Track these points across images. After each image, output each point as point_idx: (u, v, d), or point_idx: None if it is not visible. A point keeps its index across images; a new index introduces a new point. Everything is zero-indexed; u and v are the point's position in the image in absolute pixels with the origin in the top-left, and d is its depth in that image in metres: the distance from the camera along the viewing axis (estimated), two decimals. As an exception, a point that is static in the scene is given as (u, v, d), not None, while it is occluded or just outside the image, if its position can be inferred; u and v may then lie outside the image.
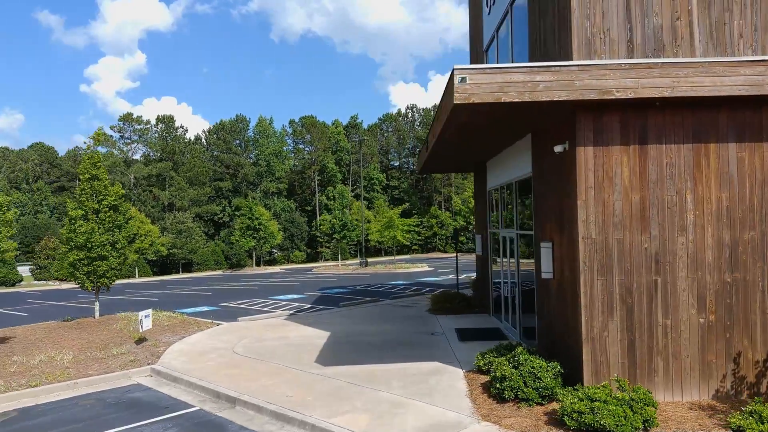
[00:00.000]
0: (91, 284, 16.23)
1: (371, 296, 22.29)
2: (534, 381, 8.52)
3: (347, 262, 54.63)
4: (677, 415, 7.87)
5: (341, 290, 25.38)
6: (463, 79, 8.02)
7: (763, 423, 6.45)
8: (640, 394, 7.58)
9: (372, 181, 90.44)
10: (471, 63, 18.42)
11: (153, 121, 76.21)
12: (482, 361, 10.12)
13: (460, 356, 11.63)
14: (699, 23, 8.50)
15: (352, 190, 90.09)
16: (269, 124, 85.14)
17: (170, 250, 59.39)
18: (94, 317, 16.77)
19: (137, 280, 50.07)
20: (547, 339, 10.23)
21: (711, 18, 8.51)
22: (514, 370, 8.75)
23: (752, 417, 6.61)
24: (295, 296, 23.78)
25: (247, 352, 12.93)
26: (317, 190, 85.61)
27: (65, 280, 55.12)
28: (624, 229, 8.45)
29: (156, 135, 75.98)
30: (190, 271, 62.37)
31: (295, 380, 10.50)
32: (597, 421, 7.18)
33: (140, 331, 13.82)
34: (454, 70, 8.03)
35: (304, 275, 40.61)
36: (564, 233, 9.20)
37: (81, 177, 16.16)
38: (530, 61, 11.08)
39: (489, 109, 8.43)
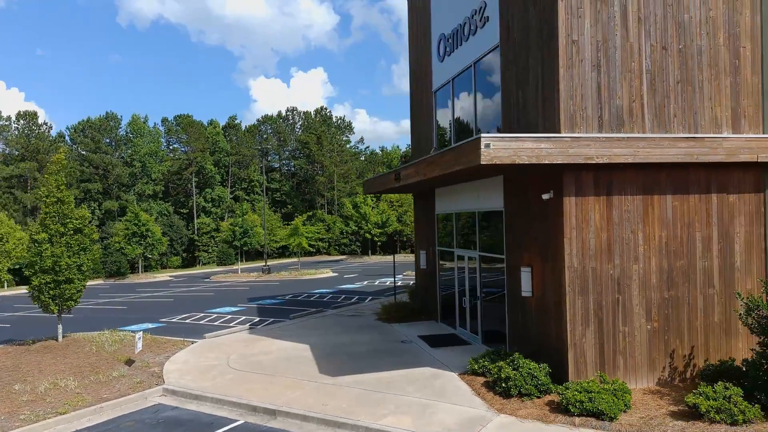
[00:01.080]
0: (57, 307, 16.11)
1: (311, 307, 23.72)
2: (532, 379, 10.89)
3: (240, 266, 54.44)
4: (638, 398, 10.63)
5: (274, 301, 26.37)
6: (487, 145, 10.15)
7: (709, 400, 9.32)
8: (618, 385, 10.23)
9: (252, 183, 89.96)
10: (413, 98, 20.63)
11: (13, 117, 69.70)
12: (476, 365, 12.35)
13: (443, 361, 13.77)
14: (648, 105, 11.40)
15: (231, 193, 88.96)
16: (144, 122, 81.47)
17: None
18: (57, 340, 16.59)
19: (7, 292, 46.25)
20: (525, 344, 12.68)
21: (656, 102, 11.44)
22: (515, 371, 11.07)
23: (701, 396, 9.46)
24: (233, 309, 24.45)
25: (245, 367, 14.04)
26: (195, 192, 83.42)
27: None
28: (596, 260, 11.12)
29: (16, 132, 69.59)
30: (61, 280, 58.29)
31: (317, 390, 11.99)
32: (595, 407, 9.68)
33: (135, 352, 14.30)
34: (481, 137, 10.13)
35: (208, 284, 40.42)
36: (548, 262, 11.69)
37: (46, 200, 15.98)
38: (503, 119, 13.50)
39: (506, 166, 10.68)
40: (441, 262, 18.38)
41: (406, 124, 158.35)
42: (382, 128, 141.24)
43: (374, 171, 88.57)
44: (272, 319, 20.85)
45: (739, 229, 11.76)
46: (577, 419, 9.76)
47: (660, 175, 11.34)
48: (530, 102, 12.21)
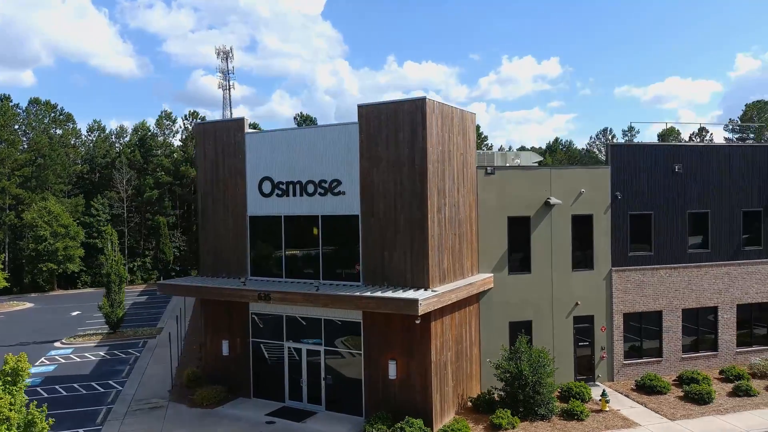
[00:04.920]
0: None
1: (84, 405, 23.24)
2: (421, 431, 19.12)
3: None
4: (457, 423, 20.24)
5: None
6: (420, 303, 17.92)
7: (504, 419, 19.78)
8: (463, 422, 19.65)
9: None
10: (204, 213, 24.25)
11: None
12: (374, 429, 19.44)
13: (332, 431, 20.01)
14: (452, 265, 21.11)
15: None
16: None
17: None
18: None
19: None
20: (386, 409, 20.35)
21: (454, 262, 21.25)
22: (411, 428, 19.01)
23: (499, 417, 19.84)
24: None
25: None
26: None
27: None
28: (440, 354, 20.17)
29: None
30: None
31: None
32: (466, 436, 18.86)
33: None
34: (418, 299, 17.81)
35: None
36: (413, 357, 19.93)
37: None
38: (364, 264, 20.78)
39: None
40: (258, 350, 23.31)
41: None
42: None
43: None
44: (82, 430, 20.77)
45: (473, 323, 22.90)
46: (459, 445, 18.73)
47: (457, 302, 21.29)
48: (399, 261, 20.17)
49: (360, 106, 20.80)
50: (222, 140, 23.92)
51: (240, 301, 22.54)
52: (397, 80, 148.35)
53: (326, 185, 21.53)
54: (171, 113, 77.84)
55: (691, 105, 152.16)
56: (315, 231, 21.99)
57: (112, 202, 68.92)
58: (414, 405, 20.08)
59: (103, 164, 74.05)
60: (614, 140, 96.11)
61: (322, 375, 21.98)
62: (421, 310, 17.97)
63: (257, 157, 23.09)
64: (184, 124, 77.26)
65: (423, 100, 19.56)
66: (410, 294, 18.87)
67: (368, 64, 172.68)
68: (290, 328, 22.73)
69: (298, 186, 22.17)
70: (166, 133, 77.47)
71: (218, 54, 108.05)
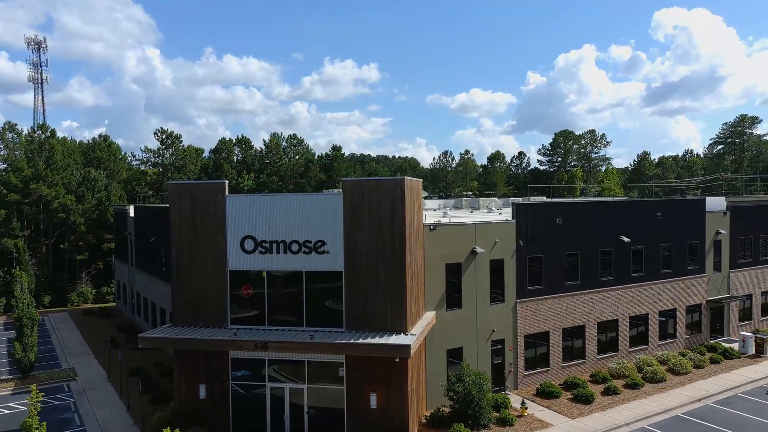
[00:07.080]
0: None
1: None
2: (403, 448, 23.59)
3: None
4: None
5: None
6: (411, 347, 22.39)
7: (460, 431, 24.98)
8: (432, 437, 24.49)
9: None
10: (181, 262, 25.99)
11: None
12: (364, 451, 23.40)
13: (324, 457, 23.52)
14: (410, 309, 25.80)
15: None
16: None
17: None
18: None
19: None
20: (367, 432, 24.43)
21: (413, 305, 25.97)
22: (397, 447, 23.38)
23: (458, 431, 25.00)
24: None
25: None
26: None
27: None
28: (412, 383, 24.75)
29: None
30: None
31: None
32: (439, 449, 23.75)
33: None
34: (410, 345, 22.26)
35: None
36: (391, 389, 24.22)
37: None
38: (348, 311, 24.56)
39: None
40: (238, 390, 25.74)
41: None
42: None
43: None
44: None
45: (423, 353, 27.78)
46: (436, 457, 23.55)
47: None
48: (380, 310, 24.34)
49: (344, 181, 24.70)
50: (201, 200, 25.88)
51: (224, 349, 24.89)
52: (216, 74, 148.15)
53: (311, 245, 24.92)
54: (15, 125, 71.31)
55: (491, 114, 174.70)
56: (298, 284, 25.23)
57: (-53, 223, 61.72)
58: (392, 428, 24.42)
59: (-69, 180, 65.61)
60: (453, 161, 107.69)
61: (305, 409, 25.27)
62: (411, 352, 22.47)
63: (239, 218, 25.57)
64: (31, 136, 71.17)
65: (402, 180, 24.05)
66: (397, 339, 23.27)
67: (183, 55, 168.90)
68: (272, 368, 25.61)
69: (282, 245, 25.20)
70: (11, 146, 70.75)
71: (29, 44, 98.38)
